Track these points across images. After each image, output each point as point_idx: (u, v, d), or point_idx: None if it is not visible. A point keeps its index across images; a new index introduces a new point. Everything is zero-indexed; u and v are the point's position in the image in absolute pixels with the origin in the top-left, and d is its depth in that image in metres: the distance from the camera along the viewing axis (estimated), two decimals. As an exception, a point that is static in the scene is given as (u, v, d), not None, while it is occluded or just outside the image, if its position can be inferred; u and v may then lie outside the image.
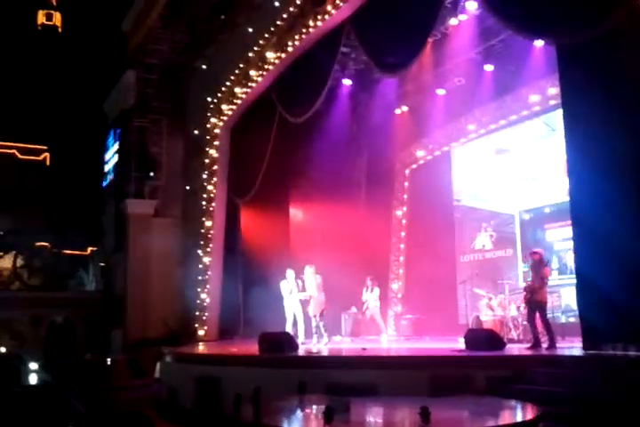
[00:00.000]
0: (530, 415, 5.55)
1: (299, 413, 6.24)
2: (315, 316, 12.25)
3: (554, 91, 14.00)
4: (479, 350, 9.03)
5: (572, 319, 13.29)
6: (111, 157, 20.97)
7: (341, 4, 12.46)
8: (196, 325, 16.21)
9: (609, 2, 8.15)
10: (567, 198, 13.82)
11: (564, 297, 13.41)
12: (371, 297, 14.28)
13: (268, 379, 8.29)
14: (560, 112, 14.30)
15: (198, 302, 16.40)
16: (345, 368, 8.51)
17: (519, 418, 5.77)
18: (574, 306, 13.48)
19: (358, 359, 9.12)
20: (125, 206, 17.17)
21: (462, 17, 12.97)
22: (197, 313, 16.32)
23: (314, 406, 6.15)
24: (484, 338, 9.43)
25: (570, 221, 13.46)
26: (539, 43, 12.80)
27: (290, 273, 12.96)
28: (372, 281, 14.53)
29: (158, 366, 12.64)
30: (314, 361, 9.11)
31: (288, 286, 12.74)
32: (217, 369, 9.45)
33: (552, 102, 14.39)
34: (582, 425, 6.61)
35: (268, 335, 10.22)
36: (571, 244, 13.64)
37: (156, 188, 17.83)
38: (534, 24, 9.43)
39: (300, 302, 12.64)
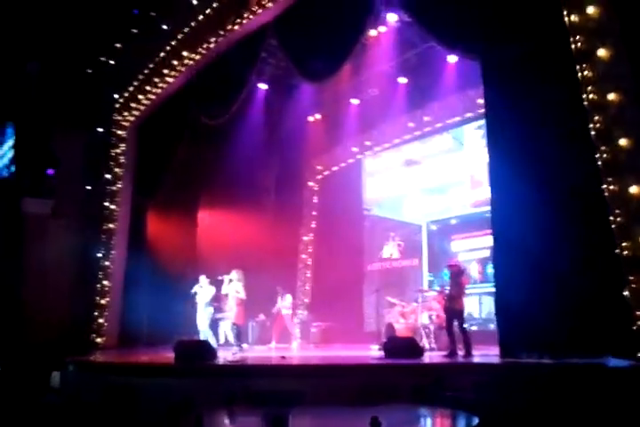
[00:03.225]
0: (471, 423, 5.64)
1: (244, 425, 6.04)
2: (237, 324, 11.92)
3: (464, 106, 14.59)
4: (399, 358, 9.11)
5: (474, 328, 13.79)
6: (6, 152, 19.60)
7: (269, 5, 12.27)
8: (95, 332, 15.43)
9: (536, 21, 8.51)
10: (472, 210, 14.58)
11: (467, 306, 13.87)
12: (284, 304, 14.19)
13: (189, 389, 7.98)
14: (468, 128, 15.09)
15: (98, 308, 15.62)
16: (269, 377, 8.31)
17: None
18: (476, 314, 14.10)
19: (283, 368, 8.96)
20: (21, 205, 16.12)
21: (382, 28, 13.22)
22: (97, 320, 15.53)
23: (255, 418, 5.96)
24: (403, 346, 9.52)
25: (474, 233, 14.25)
26: (452, 59, 13.29)
27: (203, 279, 12.62)
28: (282, 289, 14.46)
29: (56, 375, 11.85)
30: (237, 370, 8.85)
31: (202, 293, 12.41)
32: (132, 380, 8.97)
33: (458, 118, 15.02)
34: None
35: (185, 343, 9.82)
36: (475, 254, 14.32)
37: (54, 186, 16.86)
38: (462, 38, 9.69)
39: (213, 308, 12.38)
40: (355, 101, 16.07)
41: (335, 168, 17.84)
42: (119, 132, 16.63)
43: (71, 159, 17.58)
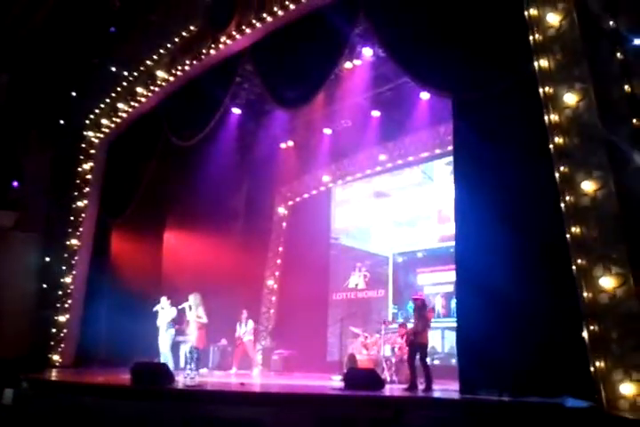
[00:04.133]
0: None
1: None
2: (197, 347, 11.80)
3: (434, 142, 14.84)
4: (359, 390, 9.05)
5: (436, 362, 13.80)
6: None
7: (247, 31, 12.39)
8: (52, 349, 15.09)
9: (507, 64, 8.75)
10: (439, 245, 14.72)
11: (431, 340, 13.88)
12: (246, 330, 14.12)
13: (145, 412, 7.85)
14: (438, 163, 15.32)
15: (57, 325, 15.30)
16: (227, 404, 8.21)
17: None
18: (439, 348, 14.14)
19: (241, 395, 8.85)
20: (-18, 216, 15.88)
21: (357, 62, 13.41)
22: (55, 337, 15.19)
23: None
24: (364, 377, 9.48)
25: (440, 267, 14.36)
26: (425, 95, 13.53)
27: (164, 301, 12.50)
28: (247, 314, 14.41)
29: (9, 392, 11.53)
30: (196, 395, 8.69)
31: (163, 314, 12.28)
32: (86, 400, 8.79)
33: (427, 154, 15.24)
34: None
35: (143, 365, 9.65)
36: (440, 289, 14.40)
37: (18, 199, 16.64)
38: (435, 77, 9.88)
39: (175, 331, 12.25)
40: (327, 131, 16.20)
41: (305, 195, 17.89)
42: (88, 148, 16.51)
43: (39, 173, 17.42)
